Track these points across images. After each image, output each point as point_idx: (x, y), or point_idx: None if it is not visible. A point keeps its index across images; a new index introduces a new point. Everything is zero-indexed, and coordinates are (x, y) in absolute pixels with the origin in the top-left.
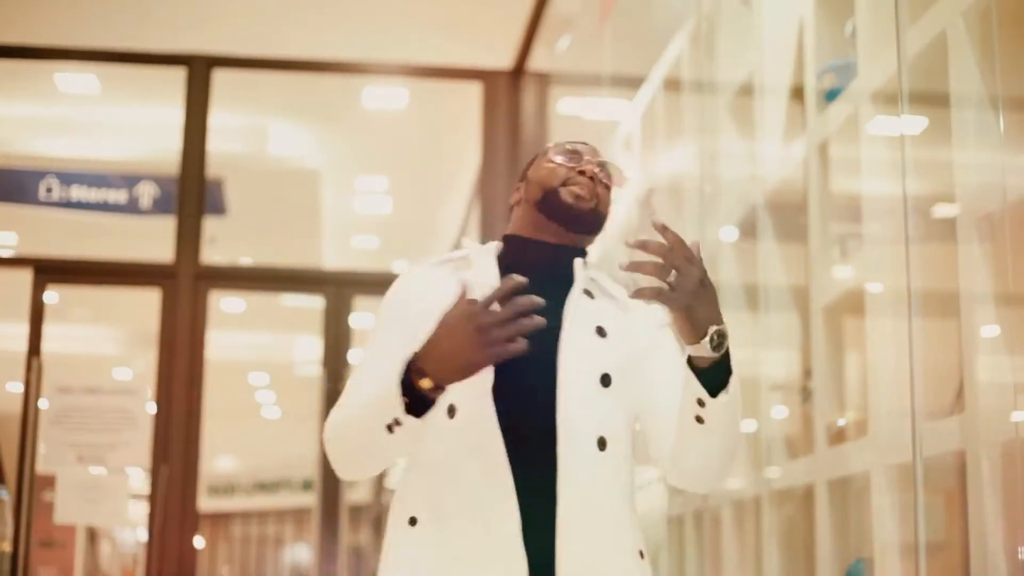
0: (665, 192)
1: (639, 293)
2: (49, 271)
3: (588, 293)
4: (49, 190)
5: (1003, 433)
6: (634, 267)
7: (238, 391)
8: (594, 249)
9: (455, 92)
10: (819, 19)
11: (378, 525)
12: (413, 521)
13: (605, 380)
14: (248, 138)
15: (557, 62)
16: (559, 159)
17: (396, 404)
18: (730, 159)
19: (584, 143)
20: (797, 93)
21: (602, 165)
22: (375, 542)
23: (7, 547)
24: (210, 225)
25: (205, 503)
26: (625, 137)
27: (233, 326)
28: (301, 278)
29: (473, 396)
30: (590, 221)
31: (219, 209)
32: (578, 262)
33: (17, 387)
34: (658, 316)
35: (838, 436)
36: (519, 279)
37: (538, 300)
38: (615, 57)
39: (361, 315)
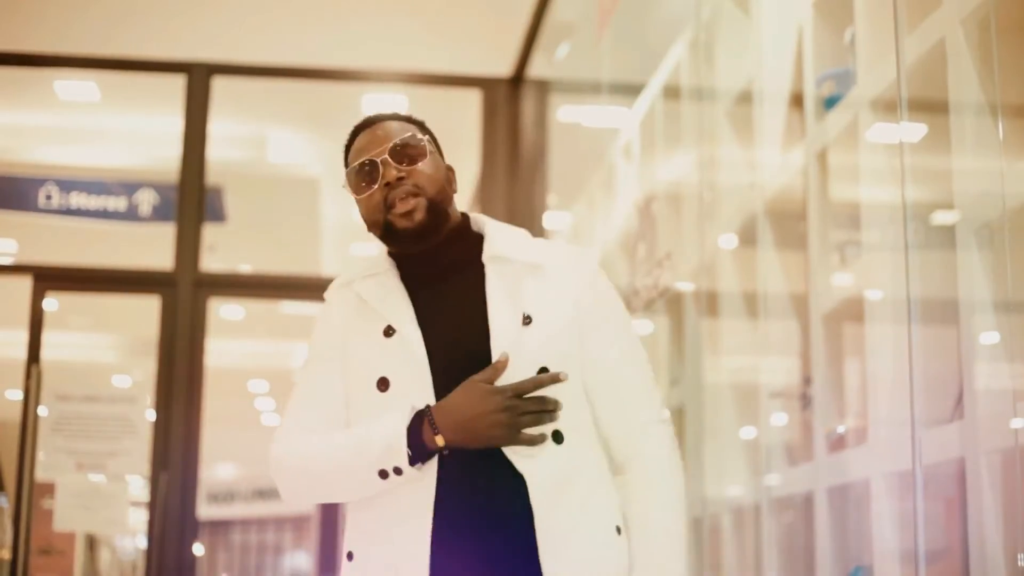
0: (664, 200)
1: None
2: (48, 278)
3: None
4: (48, 197)
5: (1003, 440)
6: None
7: (237, 398)
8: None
9: (454, 100)
10: (818, 27)
11: None
12: (350, 556)
13: (543, 373)
14: (248, 146)
15: (556, 70)
16: (360, 191)
17: (400, 454)
18: (729, 166)
19: (365, 127)
20: (796, 100)
21: (394, 150)
22: None
23: (6, 554)
24: (209, 232)
25: (205, 510)
26: (624, 144)
27: (233, 333)
28: (301, 285)
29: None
30: (432, 222)
31: (218, 216)
32: (494, 245)
33: (16, 394)
34: (581, 266)
35: (838, 443)
36: (559, 375)
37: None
38: (614, 65)
39: None
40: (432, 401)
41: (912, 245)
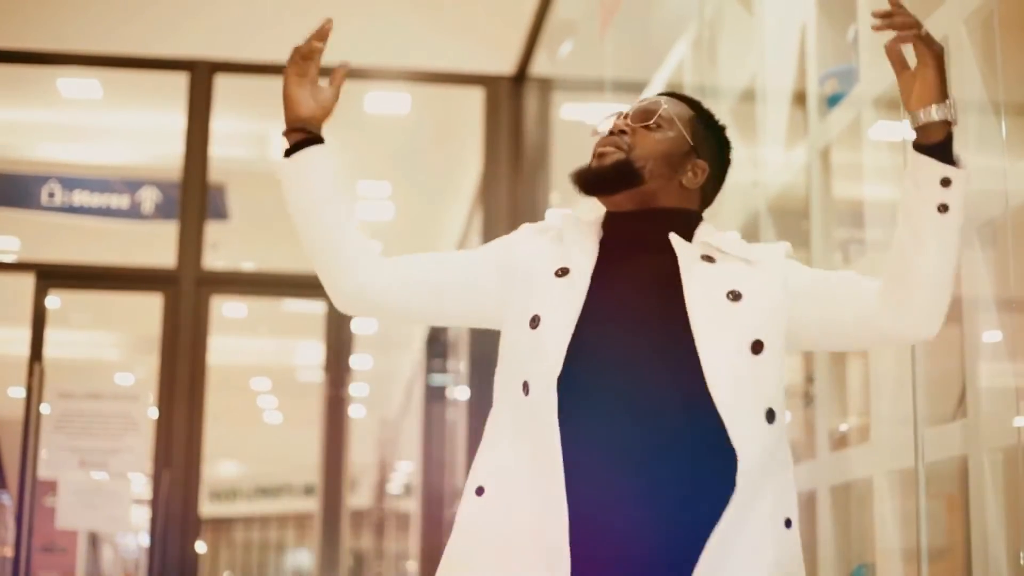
0: None
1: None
2: (51, 276)
3: (708, 259)
4: (51, 195)
5: (1005, 438)
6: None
7: (240, 396)
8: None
9: (457, 97)
10: (821, 24)
11: (380, 530)
12: (480, 491)
13: (756, 347)
14: (250, 143)
15: (559, 67)
16: (593, 135)
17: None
18: (732, 164)
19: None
20: (799, 98)
21: (632, 112)
22: (377, 547)
23: (9, 552)
24: (212, 230)
25: (207, 508)
26: None
27: (235, 331)
28: (303, 283)
29: (542, 377)
30: (617, 173)
31: (221, 214)
32: (673, 236)
33: (19, 392)
34: (780, 253)
35: (840, 441)
36: None
37: None
38: (617, 62)
39: (362, 320)
40: (565, 343)
41: None
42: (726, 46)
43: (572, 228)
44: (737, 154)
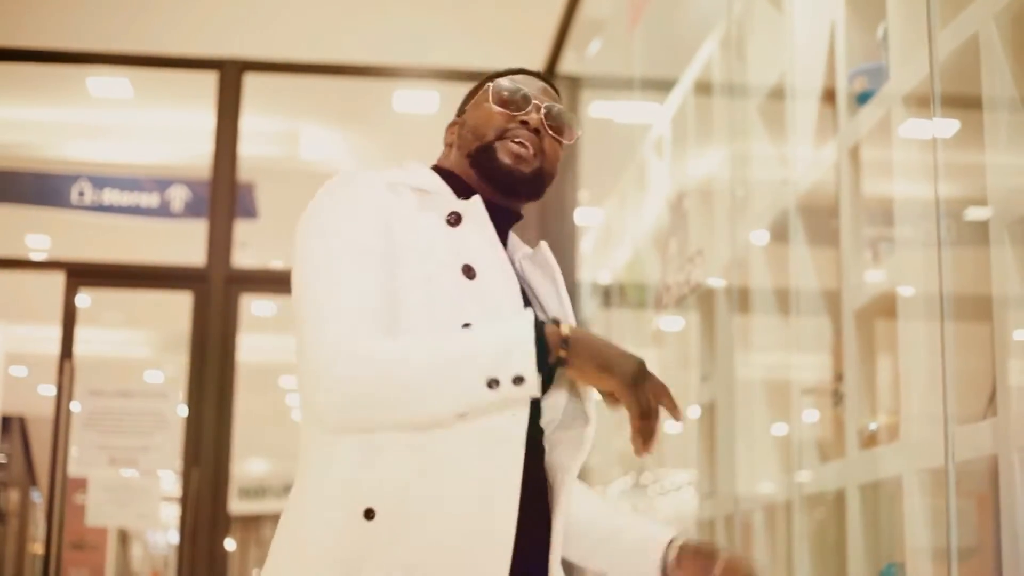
0: (696, 196)
1: None
2: (81, 274)
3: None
4: (81, 193)
5: None
6: None
7: (269, 394)
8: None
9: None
10: (850, 22)
11: None
12: (369, 514)
13: None
14: (279, 142)
15: (588, 65)
16: (499, 105)
17: (526, 359)
18: (761, 162)
19: (536, 76)
20: (828, 96)
21: (551, 112)
22: None
23: (39, 549)
24: (241, 229)
25: (236, 505)
26: (656, 140)
27: (264, 329)
28: None
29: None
30: (532, 185)
31: (250, 213)
32: (512, 236)
33: (49, 390)
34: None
35: (870, 440)
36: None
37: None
38: (646, 60)
39: None
40: (519, 295)
41: (945, 241)
42: (755, 44)
43: (471, 210)
44: (766, 152)
